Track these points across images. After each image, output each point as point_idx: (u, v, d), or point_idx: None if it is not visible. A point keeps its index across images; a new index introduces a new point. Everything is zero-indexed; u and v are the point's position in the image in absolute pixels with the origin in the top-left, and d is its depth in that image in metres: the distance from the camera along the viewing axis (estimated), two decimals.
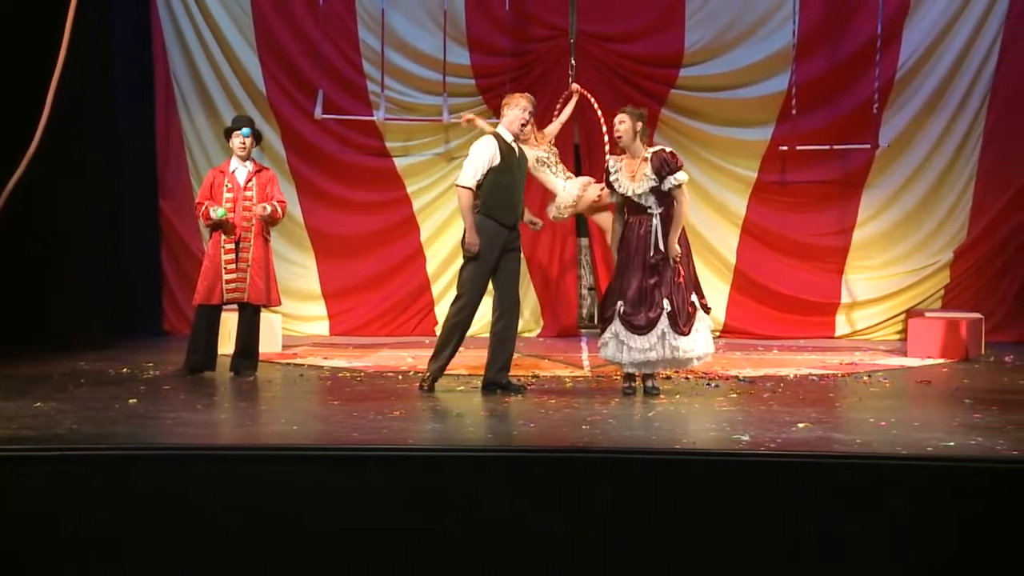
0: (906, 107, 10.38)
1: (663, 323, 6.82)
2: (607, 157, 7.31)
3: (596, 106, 8.74)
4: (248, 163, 7.85)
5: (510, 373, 7.16)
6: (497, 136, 7.03)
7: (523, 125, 7.11)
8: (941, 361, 8.92)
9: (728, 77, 10.43)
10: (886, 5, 10.10)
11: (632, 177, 6.93)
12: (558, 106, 8.82)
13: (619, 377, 7.38)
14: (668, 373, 7.83)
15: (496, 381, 7.00)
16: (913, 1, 10.22)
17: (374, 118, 10.56)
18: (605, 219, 8.35)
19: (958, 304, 10.23)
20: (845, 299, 10.61)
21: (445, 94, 10.42)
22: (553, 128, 8.48)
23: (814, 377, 7.96)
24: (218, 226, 7.70)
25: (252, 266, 7.72)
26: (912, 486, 4.73)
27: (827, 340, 10.39)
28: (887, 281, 10.60)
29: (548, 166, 8.12)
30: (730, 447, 5.30)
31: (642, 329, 6.86)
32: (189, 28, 10.52)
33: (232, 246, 7.71)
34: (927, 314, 9.62)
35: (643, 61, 10.56)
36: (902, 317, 10.42)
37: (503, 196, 6.95)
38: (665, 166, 6.84)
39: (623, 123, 6.94)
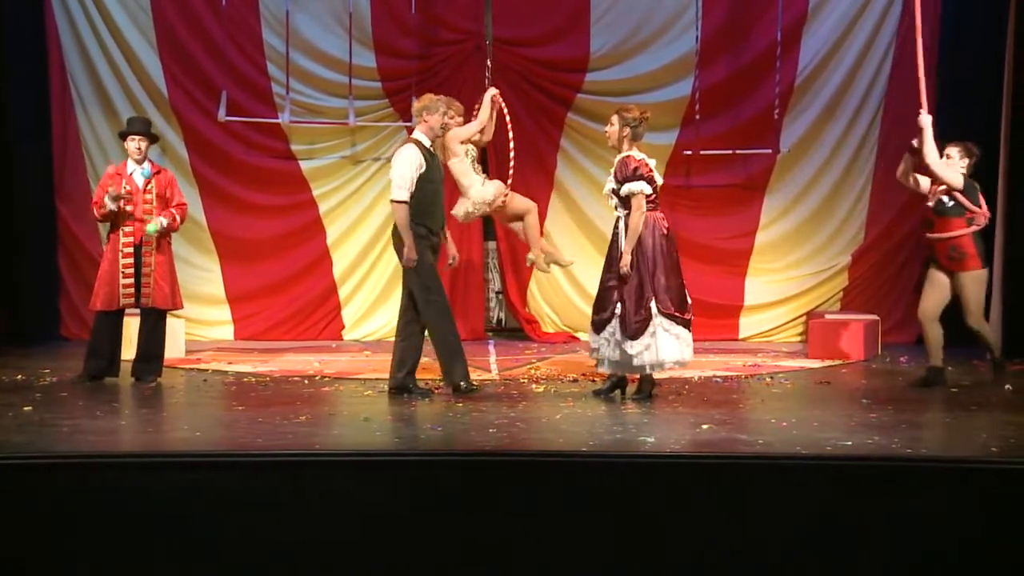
0: (805, 113, 10.61)
1: (612, 325, 6.85)
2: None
3: (506, 111, 8.77)
4: (145, 165, 7.71)
5: (417, 377, 7.15)
6: (417, 143, 7.00)
7: (444, 128, 7.11)
8: (840, 362, 9.13)
9: (633, 82, 10.54)
10: (786, 13, 10.31)
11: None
12: (476, 107, 8.81)
13: (525, 380, 7.49)
14: (575, 375, 7.91)
15: (403, 385, 6.98)
16: (811, 9, 10.46)
17: (279, 120, 10.44)
18: (520, 227, 8.43)
19: (856, 306, 10.49)
20: (748, 302, 10.80)
21: (351, 96, 10.36)
22: (473, 127, 8.48)
23: (718, 379, 8.09)
24: (114, 212, 7.50)
25: (156, 270, 7.60)
26: (813, 485, 4.84)
27: (731, 342, 10.56)
28: (788, 284, 10.81)
29: (471, 161, 8.14)
30: (636, 449, 5.35)
31: (597, 328, 6.94)
32: (86, 27, 10.28)
33: (131, 250, 7.57)
34: (826, 316, 9.84)
35: (549, 66, 10.62)
36: (803, 319, 10.64)
37: (430, 202, 6.96)
38: (621, 171, 6.86)
39: (611, 126, 7.00)
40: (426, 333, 7.12)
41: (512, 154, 8.23)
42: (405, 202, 6.86)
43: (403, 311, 7.10)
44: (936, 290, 7.50)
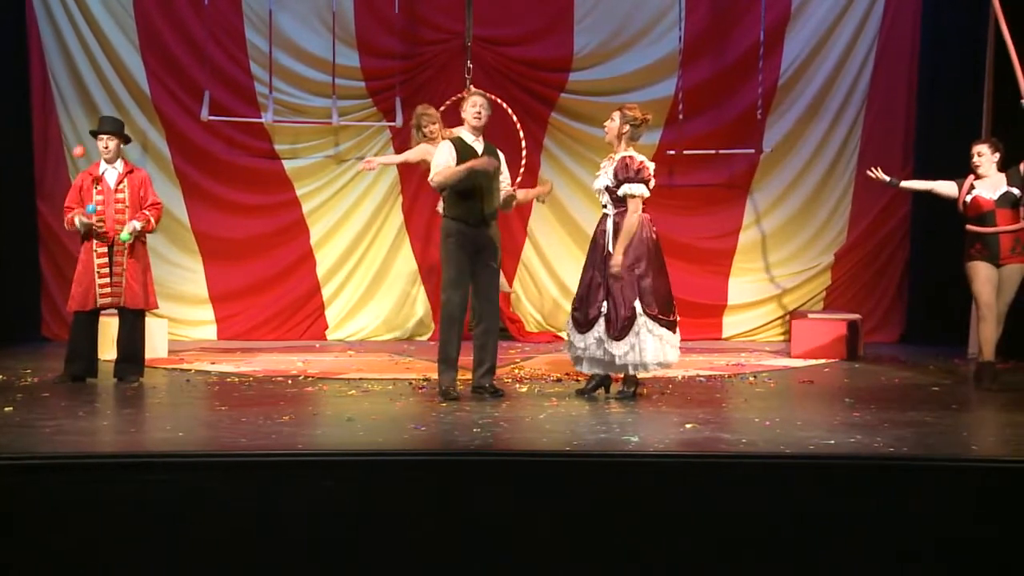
0: (788, 113, 10.65)
1: (599, 325, 6.85)
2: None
3: (507, 107, 8.82)
4: (118, 164, 7.67)
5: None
6: (456, 140, 6.97)
7: (478, 115, 6.95)
8: (823, 361, 9.16)
9: (616, 81, 10.56)
10: (768, 13, 10.35)
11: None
12: (445, 105, 8.85)
13: (509, 380, 7.51)
14: (559, 375, 7.91)
15: (480, 385, 6.99)
16: (794, 10, 10.50)
17: (262, 120, 10.41)
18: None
19: (839, 305, 10.53)
20: (731, 301, 10.83)
21: (334, 96, 10.33)
22: (399, 158, 8.54)
23: (702, 378, 8.10)
24: (87, 233, 7.50)
25: (128, 270, 7.56)
26: (796, 484, 4.85)
27: (714, 341, 10.59)
28: (771, 283, 10.85)
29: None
30: (619, 448, 5.36)
31: (582, 327, 6.93)
32: (68, 26, 10.23)
33: (105, 250, 7.53)
34: (809, 315, 9.87)
35: (533, 65, 10.63)
36: (786, 318, 10.67)
37: (468, 194, 6.87)
38: (623, 171, 6.81)
39: (611, 121, 6.96)
40: (492, 333, 7.12)
41: (523, 151, 8.28)
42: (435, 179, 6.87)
43: (472, 314, 7.10)
44: (990, 285, 7.62)
